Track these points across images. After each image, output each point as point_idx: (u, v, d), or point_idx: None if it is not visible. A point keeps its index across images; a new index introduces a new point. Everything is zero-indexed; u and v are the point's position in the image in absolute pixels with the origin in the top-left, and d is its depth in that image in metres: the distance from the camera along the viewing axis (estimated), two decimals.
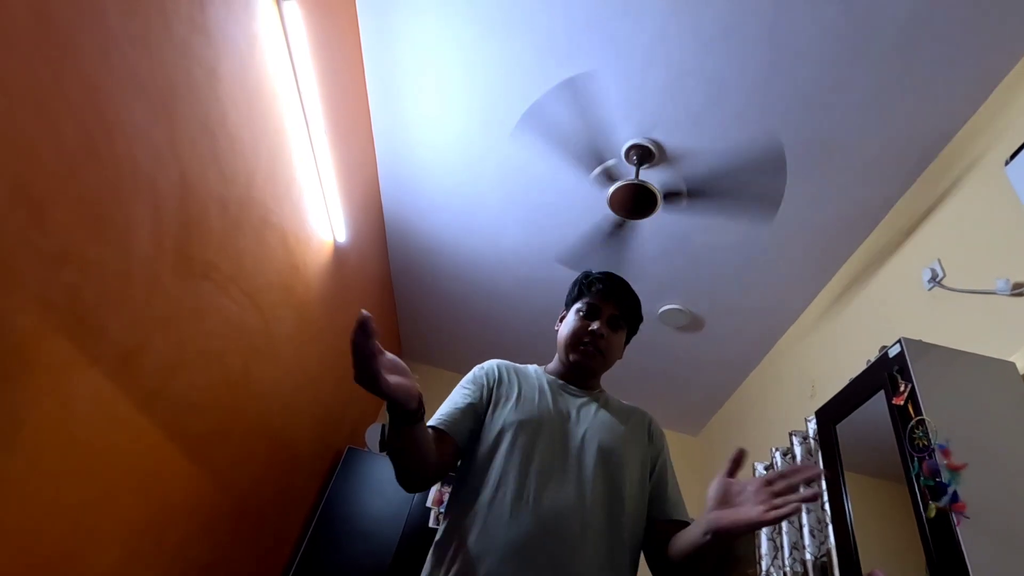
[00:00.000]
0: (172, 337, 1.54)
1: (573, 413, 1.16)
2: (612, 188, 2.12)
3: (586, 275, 1.31)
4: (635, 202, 2.12)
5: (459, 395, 1.17)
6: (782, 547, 2.11)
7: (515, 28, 1.98)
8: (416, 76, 2.22)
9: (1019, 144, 1.56)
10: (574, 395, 1.22)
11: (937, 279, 1.91)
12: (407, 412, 0.86)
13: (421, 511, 3.23)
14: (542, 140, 2.17)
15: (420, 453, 0.95)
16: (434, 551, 1.04)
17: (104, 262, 1.23)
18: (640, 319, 1.31)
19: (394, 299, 3.69)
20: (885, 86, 1.91)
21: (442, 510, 3.21)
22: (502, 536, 0.96)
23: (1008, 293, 1.61)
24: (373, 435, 3.58)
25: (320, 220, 2.31)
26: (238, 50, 1.52)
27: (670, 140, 2.20)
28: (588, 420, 1.15)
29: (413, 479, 1.00)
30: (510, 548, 0.94)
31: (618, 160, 2.26)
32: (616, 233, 2.39)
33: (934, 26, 1.74)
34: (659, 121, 2.16)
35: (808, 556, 1.93)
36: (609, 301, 1.25)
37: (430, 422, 1.08)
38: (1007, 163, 1.59)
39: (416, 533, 3.15)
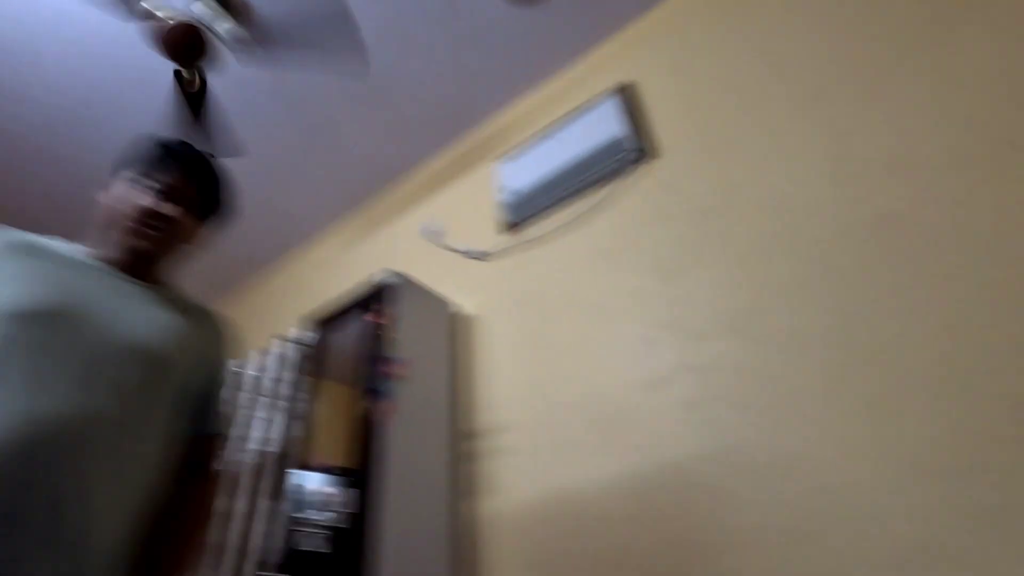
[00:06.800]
0: None
1: (115, 303, 0.92)
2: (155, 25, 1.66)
3: (160, 142, 1.04)
4: (184, 45, 1.71)
5: None
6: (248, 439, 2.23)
7: None
8: None
9: (509, 147, 2.08)
10: (123, 283, 0.96)
11: (433, 231, 2.36)
12: None
13: None
14: None
15: None
16: None
17: None
18: (218, 207, 1.10)
19: None
20: (438, 55, 2.19)
21: None
22: None
23: (470, 257, 2.14)
24: None
25: None
26: None
27: None
28: (134, 314, 0.93)
29: None
30: None
31: None
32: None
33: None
34: None
35: (270, 449, 2.10)
36: (184, 178, 1.02)
37: None
38: (496, 160, 2.09)
39: None
